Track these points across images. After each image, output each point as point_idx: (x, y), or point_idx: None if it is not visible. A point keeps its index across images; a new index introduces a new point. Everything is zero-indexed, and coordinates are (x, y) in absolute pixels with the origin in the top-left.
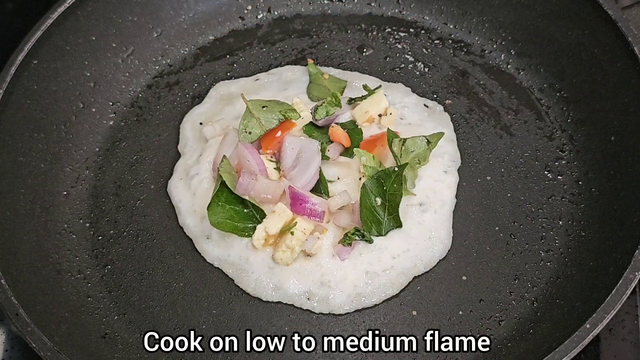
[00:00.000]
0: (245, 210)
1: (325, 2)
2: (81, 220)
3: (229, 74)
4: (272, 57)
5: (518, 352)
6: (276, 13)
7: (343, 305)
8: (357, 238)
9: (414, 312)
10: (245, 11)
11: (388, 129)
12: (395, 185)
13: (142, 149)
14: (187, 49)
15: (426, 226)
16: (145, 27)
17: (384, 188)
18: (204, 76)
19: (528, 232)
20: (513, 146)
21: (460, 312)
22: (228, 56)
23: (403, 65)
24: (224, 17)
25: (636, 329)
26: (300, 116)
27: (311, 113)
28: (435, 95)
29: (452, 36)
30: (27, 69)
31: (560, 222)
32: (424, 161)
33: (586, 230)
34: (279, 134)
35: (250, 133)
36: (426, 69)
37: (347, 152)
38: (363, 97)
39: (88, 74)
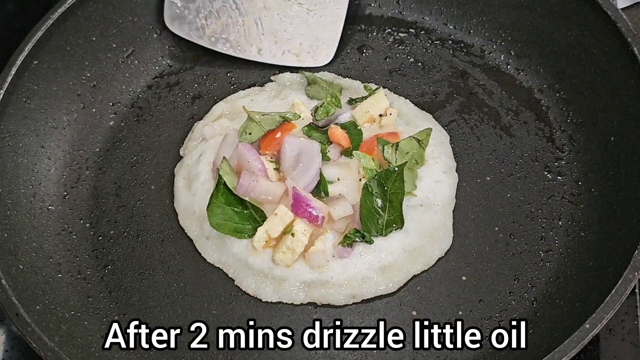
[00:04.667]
0: (245, 211)
1: None
2: (81, 221)
3: (228, 74)
4: None
5: (518, 352)
6: None
7: (343, 303)
8: (357, 239)
9: (414, 312)
10: None
11: (377, 137)
12: (396, 184)
13: (142, 149)
14: (187, 50)
15: (426, 226)
16: (145, 27)
17: (385, 188)
18: (204, 77)
19: (528, 232)
20: (513, 147)
21: (460, 312)
22: (228, 57)
23: (403, 66)
24: None
25: (636, 329)
26: (299, 116)
27: (311, 114)
28: (434, 97)
29: (452, 37)
30: (27, 70)
31: (560, 223)
32: (421, 161)
33: (586, 230)
34: (278, 134)
35: (250, 134)
36: (426, 70)
37: (346, 152)
38: (363, 98)
39: (88, 75)
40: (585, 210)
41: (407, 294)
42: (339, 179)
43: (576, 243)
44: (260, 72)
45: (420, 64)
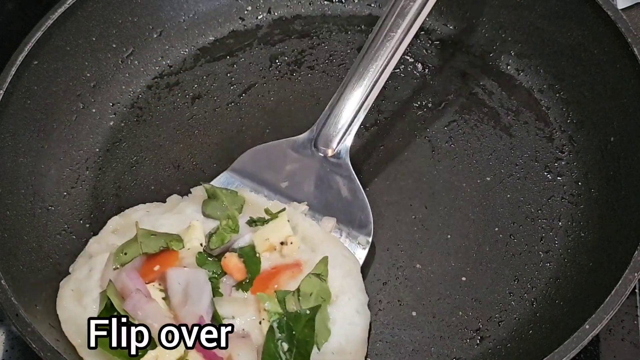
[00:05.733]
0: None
1: (325, 2)
2: (81, 221)
3: (228, 74)
4: (272, 58)
5: (518, 352)
6: (276, 14)
7: None
8: None
9: (414, 313)
10: (245, 12)
11: (276, 291)
12: (306, 331)
13: (142, 149)
14: (187, 50)
15: None
16: (145, 27)
17: (293, 332)
18: (204, 77)
19: (528, 232)
20: (513, 147)
21: (460, 313)
22: (228, 57)
23: (403, 67)
24: (224, 17)
25: (635, 329)
26: (183, 246)
27: (203, 242)
28: (434, 97)
29: (452, 37)
30: (27, 70)
31: (560, 223)
32: (327, 296)
33: (585, 231)
34: (157, 267)
35: (126, 254)
36: (426, 70)
37: (242, 285)
38: (265, 221)
39: (88, 75)
40: (585, 210)
41: (406, 294)
42: (234, 317)
43: (576, 243)
44: (260, 72)
45: (420, 64)
